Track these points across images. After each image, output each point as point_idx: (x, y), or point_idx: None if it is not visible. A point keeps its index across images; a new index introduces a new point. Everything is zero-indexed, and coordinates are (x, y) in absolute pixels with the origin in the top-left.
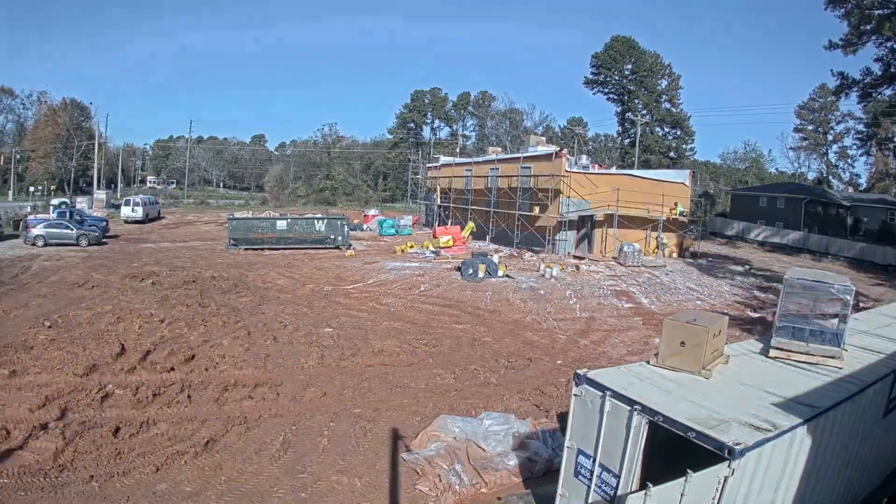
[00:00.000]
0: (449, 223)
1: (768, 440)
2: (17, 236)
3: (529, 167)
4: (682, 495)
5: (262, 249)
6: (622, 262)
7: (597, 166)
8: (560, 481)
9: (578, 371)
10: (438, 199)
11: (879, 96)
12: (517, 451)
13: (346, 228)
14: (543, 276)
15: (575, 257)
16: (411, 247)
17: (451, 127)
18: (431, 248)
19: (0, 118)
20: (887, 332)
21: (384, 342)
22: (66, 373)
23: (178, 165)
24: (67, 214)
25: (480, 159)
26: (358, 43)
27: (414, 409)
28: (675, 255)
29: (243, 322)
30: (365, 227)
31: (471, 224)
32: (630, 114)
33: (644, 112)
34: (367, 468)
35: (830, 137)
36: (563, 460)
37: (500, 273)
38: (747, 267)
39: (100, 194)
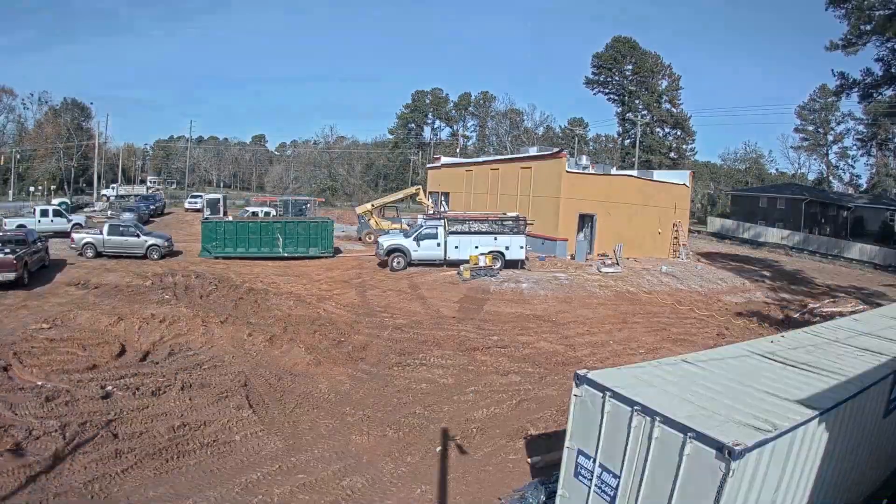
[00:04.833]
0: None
1: (768, 441)
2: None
3: (529, 167)
4: (682, 496)
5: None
6: (621, 263)
7: (595, 167)
8: (560, 482)
9: (578, 371)
10: (440, 200)
11: (880, 97)
12: None
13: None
14: (542, 276)
15: (573, 258)
16: None
17: (451, 127)
18: None
19: (0, 118)
20: (887, 333)
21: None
22: (66, 373)
23: (179, 166)
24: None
25: (480, 160)
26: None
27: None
28: (677, 255)
29: (241, 322)
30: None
31: None
32: (630, 114)
33: (644, 112)
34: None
35: (831, 138)
36: (563, 461)
37: (498, 274)
38: (747, 267)
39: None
